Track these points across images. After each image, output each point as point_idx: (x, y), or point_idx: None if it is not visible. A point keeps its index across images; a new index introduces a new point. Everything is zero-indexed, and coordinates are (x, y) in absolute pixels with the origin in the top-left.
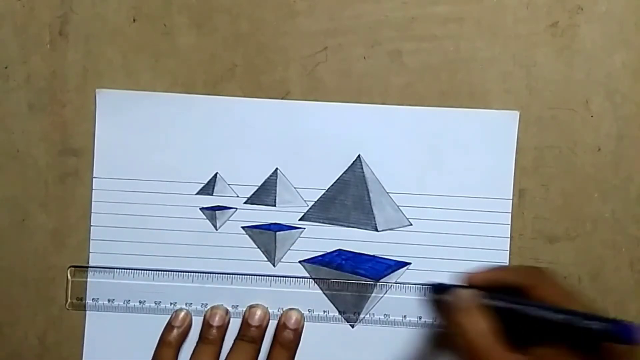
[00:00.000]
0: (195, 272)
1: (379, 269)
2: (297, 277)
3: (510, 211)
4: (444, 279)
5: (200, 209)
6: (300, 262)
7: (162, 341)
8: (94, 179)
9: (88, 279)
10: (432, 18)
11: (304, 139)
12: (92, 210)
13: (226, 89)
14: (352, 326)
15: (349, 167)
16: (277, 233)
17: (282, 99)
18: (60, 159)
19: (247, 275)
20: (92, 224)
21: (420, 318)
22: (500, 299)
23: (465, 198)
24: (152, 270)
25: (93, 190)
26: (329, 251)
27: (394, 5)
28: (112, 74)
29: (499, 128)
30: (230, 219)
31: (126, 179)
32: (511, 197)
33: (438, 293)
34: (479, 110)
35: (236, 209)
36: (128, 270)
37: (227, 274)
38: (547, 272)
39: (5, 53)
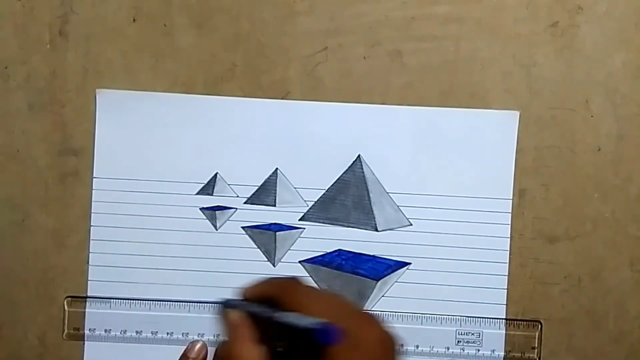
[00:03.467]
0: (192, 301)
1: (379, 269)
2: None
3: (510, 211)
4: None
5: (200, 209)
6: (300, 262)
7: None
8: (94, 179)
9: (85, 310)
10: (432, 18)
11: (304, 139)
12: (92, 210)
13: (226, 89)
14: None
15: (349, 167)
16: (277, 233)
17: (282, 99)
18: (60, 159)
19: None
20: (92, 224)
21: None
22: (252, 308)
23: (465, 198)
24: (149, 300)
25: (93, 190)
26: (329, 251)
27: (394, 5)
28: (112, 74)
29: (499, 128)
30: (230, 219)
31: (126, 179)
32: (511, 197)
33: (228, 308)
34: (479, 110)
35: (236, 209)
36: (125, 301)
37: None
38: (296, 281)
39: (5, 53)
